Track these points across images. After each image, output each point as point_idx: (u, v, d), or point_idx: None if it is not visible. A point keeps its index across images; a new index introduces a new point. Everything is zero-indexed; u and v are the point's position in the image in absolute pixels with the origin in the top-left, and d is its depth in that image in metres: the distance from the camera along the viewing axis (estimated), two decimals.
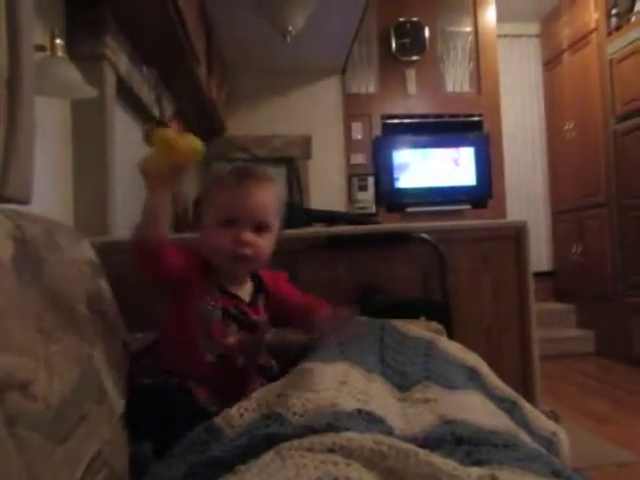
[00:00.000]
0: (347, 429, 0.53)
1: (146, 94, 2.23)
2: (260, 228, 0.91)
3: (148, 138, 0.87)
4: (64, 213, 1.57)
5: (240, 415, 0.64)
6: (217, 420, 0.64)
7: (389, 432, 0.61)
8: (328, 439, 0.50)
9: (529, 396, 1.53)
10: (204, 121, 3.29)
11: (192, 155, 0.82)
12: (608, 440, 2.21)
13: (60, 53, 1.35)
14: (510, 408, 0.95)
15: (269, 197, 0.93)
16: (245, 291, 0.96)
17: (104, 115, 1.69)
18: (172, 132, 0.83)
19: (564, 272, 4.34)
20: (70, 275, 0.88)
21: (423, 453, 0.47)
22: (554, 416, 1.94)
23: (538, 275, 3.55)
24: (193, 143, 0.82)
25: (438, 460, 0.46)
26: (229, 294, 0.92)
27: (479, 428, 0.63)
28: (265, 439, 0.54)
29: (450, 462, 0.46)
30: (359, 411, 0.69)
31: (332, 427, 0.54)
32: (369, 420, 0.63)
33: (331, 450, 0.49)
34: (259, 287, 0.98)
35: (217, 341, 0.89)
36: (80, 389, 0.74)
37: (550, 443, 0.93)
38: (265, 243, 0.91)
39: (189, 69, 2.37)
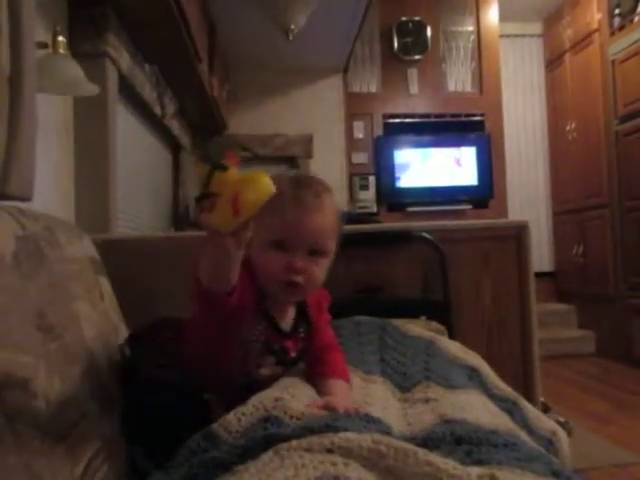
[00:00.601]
0: (345, 429, 0.53)
1: (148, 92, 2.23)
2: (315, 252, 0.80)
3: (206, 182, 0.61)
4: (65, 210, 1.57)
5: (238, 420, 0.64)
6: (215, 427, 0.64)
7: (387, 432, 0.61)
8: (326, 439, 0.50)
9: (529, 396, 1.53)
10: (206, 119, 3.29)
11: (263, 203, 0.63)
12: (608, 440, 2.21)
13: (62, 50, 1.35)
14: (510, 408, 0.95)
15: (328, 219, 0.81)
16: (287, 319, 0.86)
17: (106, 112, 1.69)
18: (236, 180, 0.63)
19: (565, 273, 4.34)
20: (71, 272, 0.88)
21: (422, 452, 0.47)
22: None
23: (539, 275, 3.54)
24: (263, 190, 0.63)
25: (437, 459, 0.46)
26: (273, 325, 0.83)
27: (479, 428, 0.63)
28: (263, 440, 0.54)
29: (450, 461, 0.46)
30: (357, 412, 0.69)
31: (330, 427, 0.54)
32: (367, 420, 0.62)
33: (329, 450, 0.49)
34: (302, 315, 0.88)
35: (250, 371, 0.82)
36: (80, 387, 0.74)
37: (550, 443, 0.93)
38: (319, 271, 0.81)
39: (191, 67, 2.37)
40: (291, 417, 0.62)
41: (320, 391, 0.81)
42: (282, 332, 0.84)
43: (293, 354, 0.86)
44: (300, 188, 0.80)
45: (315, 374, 0.85)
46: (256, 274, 0.80)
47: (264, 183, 0.63)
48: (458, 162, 4.15)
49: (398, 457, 0.46)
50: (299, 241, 0.78)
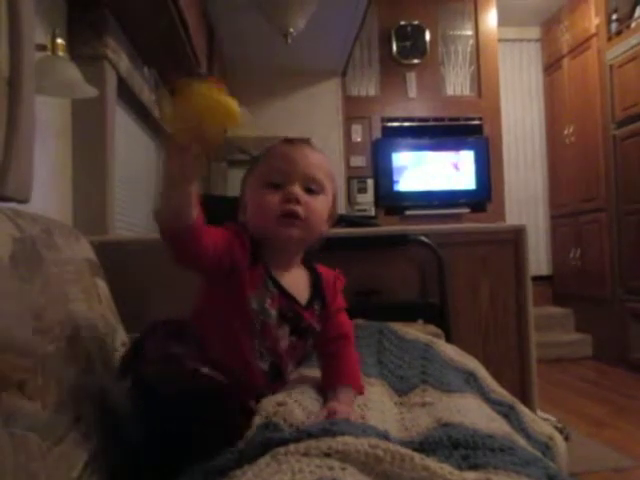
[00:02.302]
0: (343, 434, 0.53)
1: (146, 94, 2.24)
2: (311, 190, 0.78)
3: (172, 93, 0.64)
4: (63, 212, 1.57)
5: None
6: None
7: (385, 436, 0.61)
8: (324, 444, 0.50)
9: (526, 400, 1.53)
10: None
11: (223, 115, 0.62)
12: (605, 445, 2.21)
13: (61, 53, 1.36)
14: (507, 412, 0.95)
15: (322, 158, 0.82)
16: (301, 291, 0.82)
17: (104, 115, 1.69)
18: (206, 88, 0.63)
19: (562, 276, 4.34)
20: (68, 274, 0.88)
21: (419, 457, 0.47)
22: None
23: (536, 279, 3.55)
24: (229, 101, 0.62)
25: (434, 464, 0.46)
26: (284, 293, 0.79)
27: (475, 431, 0.63)
28: (261, 444, 0.54)
29: (446, 466, 0.46)
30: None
31: (328, 432, 0.54)
32: (365, 425, 0.62)
33: (327, 454, 0.49)
34: (316, 289, 0.84)
35: (270, 347, 0.77)
36: (77, 389, 0.74)
37: (547, 447, 0.93)
38: (317, 204, 0.78)
39: (190, 70, 2.37)
40: (291, 425, 0.62)
41: (326, 397, 0.79)
42: (296, 300, 0.80)
43: (310, 320, 0.82)
44: (295, 139, 0.82)
45: (326, 374, 0.83)
46: (252, 225, 0.78)
47: (230, 99, 0.63)
48: (456, 166, 4.16)
49: (395, 462, 0.46)
50: (292, 174, 0.77)
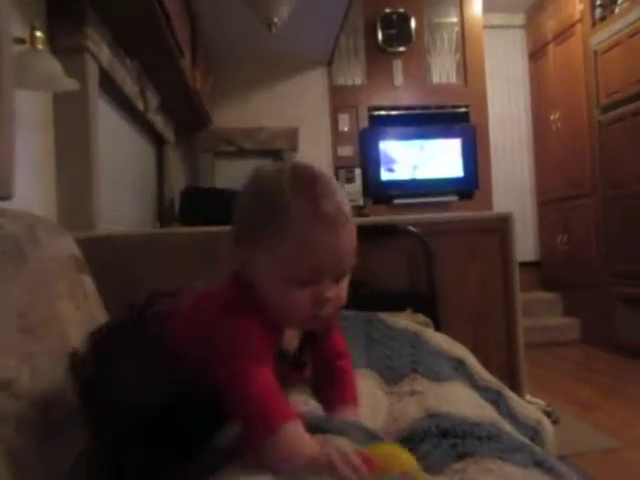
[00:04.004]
0: (331, 432, 0.53)
1: (129, 86, 2.21)
2: (341, 276, 0.65)
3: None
4: (46, 208, 1.55)
5: None
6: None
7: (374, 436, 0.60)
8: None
9: (515, 384, 1.55)
10: (189, 113, 3.26)
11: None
12: (593, 427, 2.25)
13: (40, 46, 1.33)
14: (495, 398, 0.96)
15: (354, 230, 0.65)
16: (291, 339, 0.71)
17: (87, 107, 1.67)
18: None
19: (550, 261, 4.38)
20: (53, 271, 0.87)
21: None
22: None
23: (524, 265, 3.58)
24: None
25: None
26: (284, 356, 0.70)
27: (464, 420, 0.64)
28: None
29: None
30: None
31: (319, 428, 0.54)
32: (357, 423, 0.62)
33: None
34: (309, 336, 0.73)
35: None
36: (66, 387, 0.73)
37: (535, 431, 0.94)
38: (343, 289, 0.66)
39: (173, 60, 2.34)
40: None
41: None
42: (286, 354, 0.70)
43: (295, 377, 0.75)
44: (317, 197, 0.61)
45: (328, 393, 0.76)
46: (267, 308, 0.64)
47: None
48: (443, 154, 4.16)
49: None
50: (329, 272, 0.63)
